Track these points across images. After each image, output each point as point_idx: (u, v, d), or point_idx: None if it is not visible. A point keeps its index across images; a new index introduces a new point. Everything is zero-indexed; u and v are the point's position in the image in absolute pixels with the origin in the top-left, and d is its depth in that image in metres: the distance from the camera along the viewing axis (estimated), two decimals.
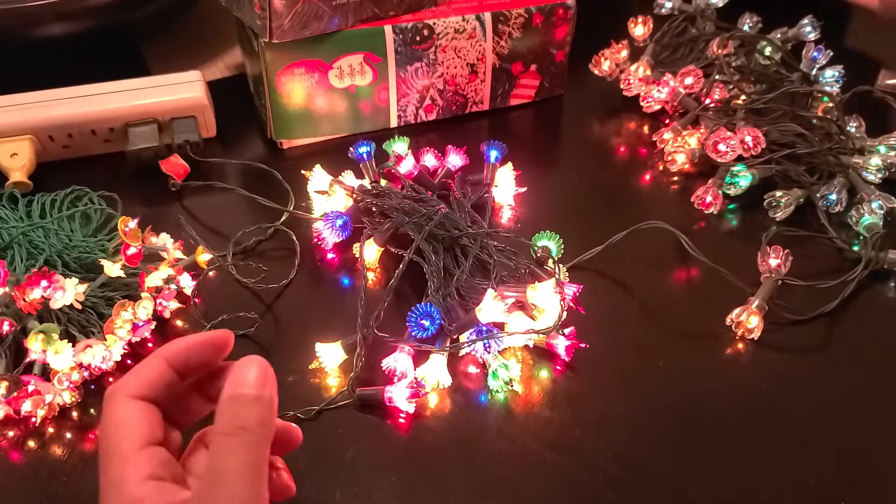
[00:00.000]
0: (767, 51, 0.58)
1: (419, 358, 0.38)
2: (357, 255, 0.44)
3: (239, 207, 0.48)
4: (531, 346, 0.40)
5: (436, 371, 0.38)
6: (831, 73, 0.56)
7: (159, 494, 0.24)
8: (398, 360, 0.37)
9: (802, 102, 0.54)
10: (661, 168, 0.53)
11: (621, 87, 0.57)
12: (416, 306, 0.38)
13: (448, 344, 0.39)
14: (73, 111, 0.49)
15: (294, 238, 0.45)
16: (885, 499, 0.34)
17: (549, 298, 0.37)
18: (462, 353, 0.39)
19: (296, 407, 0.37)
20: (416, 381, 0.37)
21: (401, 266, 0.37)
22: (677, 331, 0.41)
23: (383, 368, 0.38)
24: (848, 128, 0.51)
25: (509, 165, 0.49)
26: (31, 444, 0.36)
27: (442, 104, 0.54)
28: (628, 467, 0.35)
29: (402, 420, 0.37)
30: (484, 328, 0.38)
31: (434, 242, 0.42)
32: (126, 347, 0.39)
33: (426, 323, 0.37)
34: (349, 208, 0.46)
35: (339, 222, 0.44)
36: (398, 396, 0.36)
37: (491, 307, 0.37)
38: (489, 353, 0.38)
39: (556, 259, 0.42)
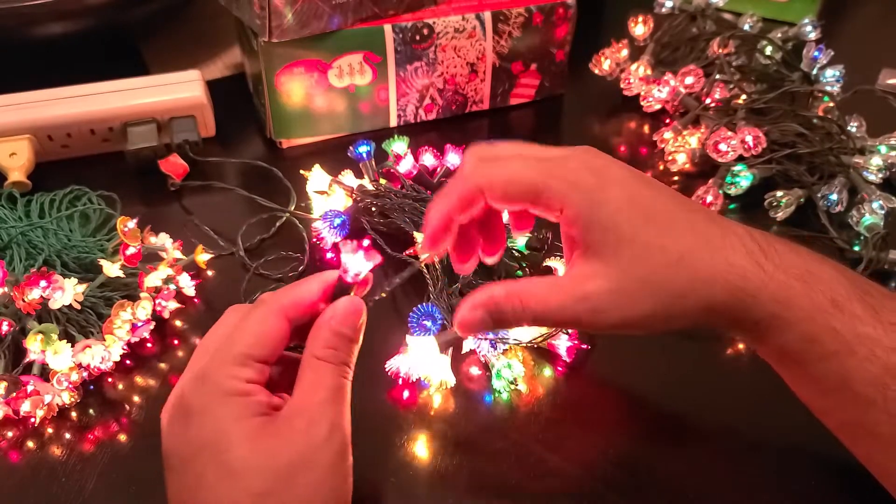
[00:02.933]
0: (768, 50, 0.58)
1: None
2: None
3: (238, 207, 0.48)
4: (534, 346, 0.40)
5: (440, 371, 0.38)
6: (832, 73, 0.55)
7: (260, 395, 0.27)
8: (402, 362, 0.37)
9: (803, 102, 0.54)
10: (661, 168, 0.53)
11: (621, 86, 0.57)
12: (418, 307, 0.38)
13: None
14: (72, 111, 0.49)
15: (304, 234, 0.45)
16: (889, 498, 0.34)
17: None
18: (464, 351, 0.39)
19: None
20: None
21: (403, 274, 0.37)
22: (679, 332, 0.41)
23: (387, 370, 0.37)
24: (849, 127, 0.51)
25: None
26: (31, 444, 0.36)
27: (442, 103, 0.54)
28: (629, 468, 0.35)
29: (402, 420, 0.37)
30: None
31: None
32: (125, 348, 0.39)
33: (428, 323, 0.37)
34: (348, 208, 0.45)
35: (338, 221, 0.44)
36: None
37: None
38: (495, 349, 0.38)
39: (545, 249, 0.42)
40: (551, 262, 0.42)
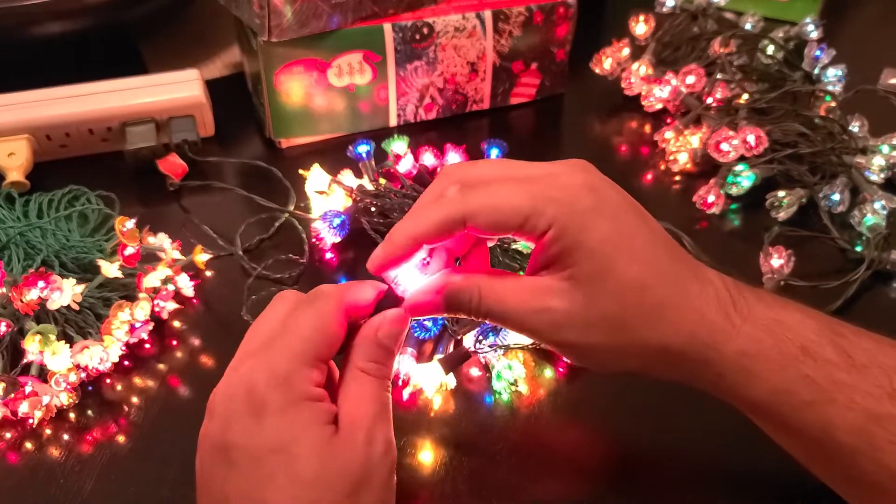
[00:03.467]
0: (770, 50, 0.58)
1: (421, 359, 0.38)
2: None
3: (237, 207, 0.48)
4: (535, 347, 0.39)
5: (440, 373, 0.37)
6: (834, 73, 0.55)
7: (328, 403, 0.27)
8: (401, 363, 0.37)
9: (805, 102, 0.54)
10: (662, 168, 0.53)
11: (622, 85, 0.57)
12: None
13: (451, 344, 0.38)
14: (71, 110, 0.49)
15: (303, 234, 0.45)
16: None
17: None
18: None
19: None
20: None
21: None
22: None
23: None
24: (850, 127, 0.51)
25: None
26: (29, 445, 0.36)
27: (442, 103, 0.54)
28: (630, 470, 0.35)
29: (402, 422, 0.37)
30: (489, 327, 0.37)
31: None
32: (123, 349, 0.39)
33: (428, 324, 0.37)
34: (348, 208, 0.45)
35: (337, 221, 0.44)
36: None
37: None
38: (495, 351, 0.37)
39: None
40: None
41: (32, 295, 0.36)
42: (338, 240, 0.44)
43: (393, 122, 0.54)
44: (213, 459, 0.26)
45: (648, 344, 0.28)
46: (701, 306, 0.28)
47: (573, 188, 0.28)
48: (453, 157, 0.48)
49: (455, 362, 0.36)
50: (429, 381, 0.37)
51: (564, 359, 0.30)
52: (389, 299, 0.29)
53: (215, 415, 0.26)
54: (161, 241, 0.42)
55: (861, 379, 0.27)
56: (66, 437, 0.36)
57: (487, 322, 0.30)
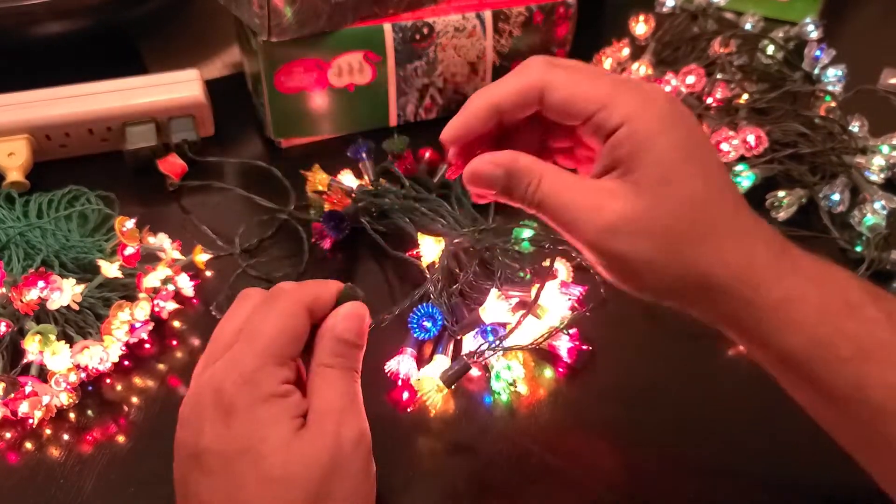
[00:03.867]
0: (770, 50, 0.57)
1: (421, 359, 0.38)
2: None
3: (237, 207, 0.48)
4: (534, 347, 0.39)
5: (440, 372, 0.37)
6: (834, 73, 0.55)
7: (296, 397, 0.27)
8: (401, 363, 0.37)
9: (805, 102, 0.54)
10: None
11: None
12: (418, 307, 0.37)
13: (451, 345, 0.38)
14: (71, 110, 0.49)
15: (303, 236, 0.45)
16: None
17: (553, 298, 0.37)
18: (464, 352, 0.39)
19: None
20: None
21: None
22: (680, 332, 0.41)
23: (386, 371, 0.37)
24: (850, 127, 0.51)
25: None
26: (29, 445, 0.36)
27: (442, 103, 0.54)
28: (629, 471, 0.35)
29: (401, 422, 0.37)
30: (488, 328, 0.37)
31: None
32: (123, 349, 0.38)
33: (428, 324, 0.37)
34: (348, 208, 0.45)
35: (337, 221, 0.43)
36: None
37: (495, 307, 0.37)
38: (494, 353, 0.37)
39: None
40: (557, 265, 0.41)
41: (32, 295, 0.36)
42: (337, 239, 0.44)
43: (393, 122, 0.54)
44: (188, 467, 0.26)
45: (694, 266, 0.27)
46: (752, 242, 0.27)
47: (655, 93, 0.28)
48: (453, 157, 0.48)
49: (456, 377, 0.36)
50: (428, 387, 0.37)
51: (604, 275, 0.28)
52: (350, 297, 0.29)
53: (186, 422, 0.27)
54: (161, 241, 0.42)
55: None
56: (66, 437, 0.36)
57: (537, 214, 0.29)
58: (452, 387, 0.37)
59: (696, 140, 0.27)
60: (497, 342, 0.36)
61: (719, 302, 0.27)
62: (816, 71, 0.56)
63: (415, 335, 0.38)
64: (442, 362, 0.37)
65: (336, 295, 0.29)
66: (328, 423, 0.26)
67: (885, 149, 0.49)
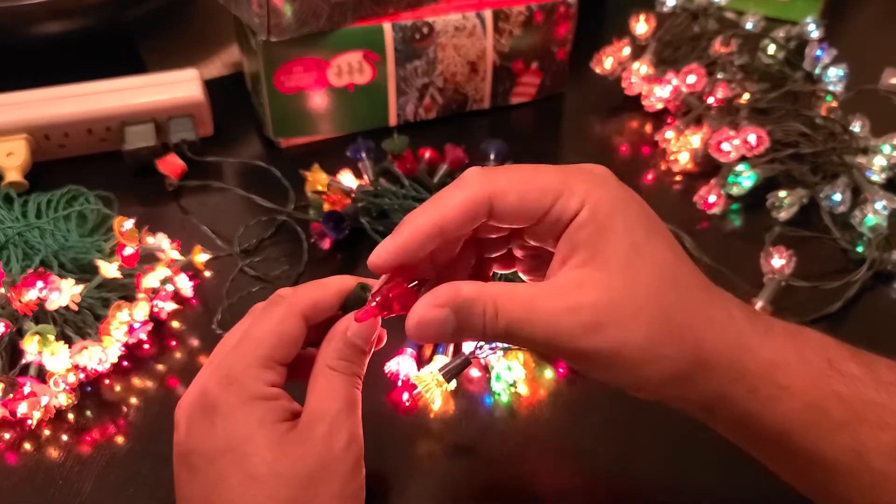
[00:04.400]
0: (771, 49, 0.57)
1: (421, 360, 0.38)
2: None
3: (236, 207, 0.48)
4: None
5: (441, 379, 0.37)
6: (835, 72, 0.55)
7: (283, 400, 0.27)
8: (401, 363, 0.37)
9: (806, 102, 0.54)
10: (663, 168, 0.53)
11: (623, 85, 0.57)
12: None
13: (452, 344, 0.38)
14: (70, 110, 0.49)
15: (302, 236, 0.45)
16: None
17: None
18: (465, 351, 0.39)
19: None
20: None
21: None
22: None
23: (385, 372, 0.37)
24: (852, 127, 0.51)
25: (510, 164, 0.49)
26: (27, 446, 0.36)
27: (441, 102, 0.54)
28: (629, 472, 0.35)
29: (401, 423, 0.36)
30: None
31: None
32: (122, 349, 0.38)
33: None
34: (347, 208, 0.45)
35: (337, 221, 0.43)
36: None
37: None
38: (495, 353, 0.37)
39: None
40: None
41: (31, 295, 0.36)
42: (338, 239, 0.44)
43: (393, 121, 0.53)
44: (179, 467, 0.27)
45: (690, 338, 0.25)
46: (730, 307, 0.26)
47: (601, 172, 0.27)
48: (454, 156, 0.48)
49: (456, 372, 0.36)
50: (429, 387, 0.36)
51: (600, 377, 0.26)
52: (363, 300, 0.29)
53: (177, 424, 0.27)
54: (160, 241, 0.42)
55: (889, 398, 0.25)
56: (64, 437, 0.36)
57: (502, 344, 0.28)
58: (452, 383, 0.36)
59: (650, 213, 0.27)
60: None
61: (713, 377, 0.25)
62: (817, 71, 0.55)
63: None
64: (442, 362, 0.37)
65: (337, 295, 0.29)
66: (320, 426, 0.26)
67: (886, 149, 0.49)
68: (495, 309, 0.24)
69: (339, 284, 0.29)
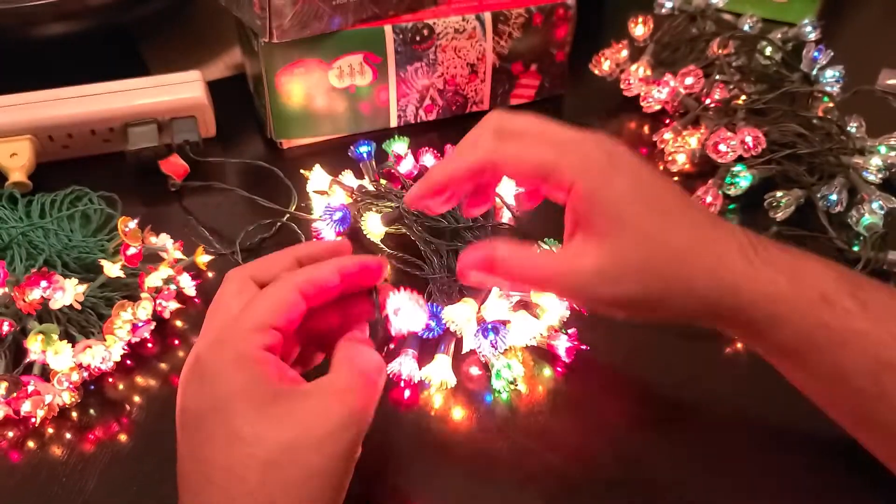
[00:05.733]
0: (768, 51, 0.58)
1: (423, 359, 0.38)
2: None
3: (239, 207, 0.48)
4: (534, 345, 0.40)
5: (441, 371, 0.38)
6: (832, 73, 0.55)
7: (276, 367, 0.27)
8: (403, 364, 0.37)
9: (803, 102, 0.54)
10: (661, 168, 0.53)
11: (621, 86, 0.57)
12: None
13: (453, 343, 0.38)
14: (73, 111, 0.49)
15: (303, 237, 0.45)
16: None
17: (553, 297, 0.37)
18: (464, 351, 0.39)
19: None
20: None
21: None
22: (677, 332, 0.41)
23: (388, 372, 0.37)
24: (848, 128, 0.51)
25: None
26: (31, 444, 0.36)
27: (442, 104, 0.54)
28: (630, 469, 0.35)
29: (403, 420, 0.37)
30: (489, 326, 0.37)
31: (436, 241, 0.42)
32: (126, 348, 0.39)
33: (432, 323, 0.37)
34: (348, 207, 0.45)
35: (338, 216, 0.44)
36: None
37: (495, 305, 0.37)
38: (496, 349, 0.38)
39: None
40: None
41: (35, 294, 0.37)
42: (340, 234, 0.44)
43: (393, 123, 0.54)
44: (178, 426, 0.28)
45: (677, 289, 0.29)
46: (722, 252, 0.29)
47: (592, 151, 0.30)
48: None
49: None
50: (436, 373, 0.37)
51: (611, 313, 0.31)
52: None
53: (178, 388, 0.28)
54: (163, 241, 0.42)
55: (873, 328, 0.29)
56: (68, 435, 0.36)
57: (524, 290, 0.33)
58: (453, 380, 0.37)
59: (640, 180, 0.30)
60: (497, 335, 0.37)
61: (712, 310, 0.30)
62: (814, 72, 0.56)
63: (419, 334, 0.38)
64: (443, 362, 0.38)
65: (341, 272, 0.30)
66: (317, 398, 0.27)
67: (882, 149, 0.49)
68: (520, 267, 0.31)
69: (338, 265, 0.30)
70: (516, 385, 0.38)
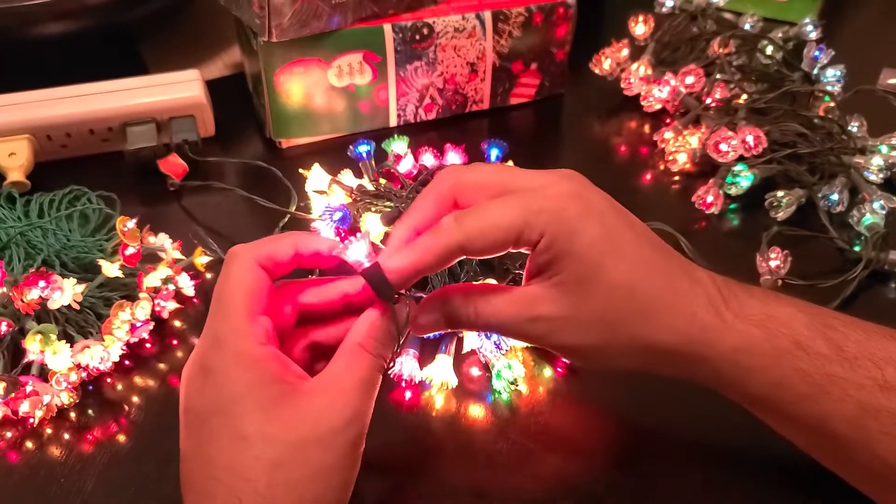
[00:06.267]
0: (769, 50, 0.58)
1: (424, 359, 0.38)
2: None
3: (238, 207, 0.48)
4: (534, 347, 0.40)
5: (442, 372, 0.38)
6: (833, 73, 0.55)
7: (278, 362, 0.27)
8: (404, 364, 0.37)
9: (804, 102, 0.54)
10: (661, 168, 0.53)
11: (622, 86, 0.57)
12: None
13: (454, 342, 0.38)
14: (72, 110, 0.49)
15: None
16: None
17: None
18: (465, 351, 0.39)
19: None
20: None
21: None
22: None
23: (389, 373, 0.37)
24: (849, 127, 0.51)
25: (509, 164, 0.49)
26: (29, 444, 0.36)
27: (442, 103, 0.54)
28: (630, 470, 0.35)
29: (404, 421, 0.37)
30: None
31: None
32: (124, 348, 0.39)
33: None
34: (348, 206, 0.45)
35: (338, 216, 0.43)
36: None
37: None
38: (500, 349, 0.37)
39: None
40: None
41: (33, 294, 0.36)
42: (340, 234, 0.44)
43: (393, 122, 0.54)
44: (181, 425, 0.28)
45: (641, 342, 0.29)
46: (691, 304, 0.29)
47: (560, 198, 0.29)
48: (453, 157, 0.48)
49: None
50: (437, 373, 0.37)
51: (566, 360, 0.32)
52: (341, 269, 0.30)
53: (180, 386, 0.28)
54: (162, 240, 0.42)
55: (853, 371, 0.28)
56: (66, 436, 0.36)
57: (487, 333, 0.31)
58: (454, 381, 0.37)
59: (610, 228, 0.29)
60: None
61: (676, 362, 0.30)
62: (815, 71, 0.56)
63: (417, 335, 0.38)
64: (444, 362, 0.38)
65: (292, 245, 0.29)
66: (323, 396, 0.26)
67: (883, 149, 0.49)
68: (475, 314, 0.30)
69: (293, 241, 0.30)
70: (517, 385, 0.38)
